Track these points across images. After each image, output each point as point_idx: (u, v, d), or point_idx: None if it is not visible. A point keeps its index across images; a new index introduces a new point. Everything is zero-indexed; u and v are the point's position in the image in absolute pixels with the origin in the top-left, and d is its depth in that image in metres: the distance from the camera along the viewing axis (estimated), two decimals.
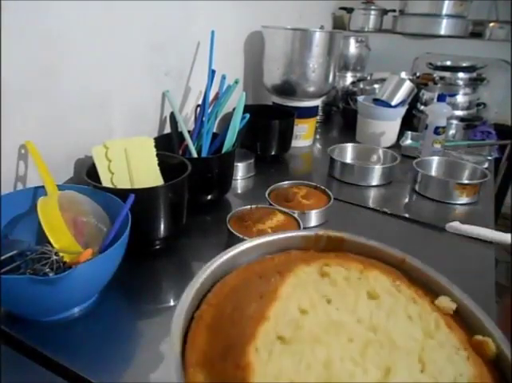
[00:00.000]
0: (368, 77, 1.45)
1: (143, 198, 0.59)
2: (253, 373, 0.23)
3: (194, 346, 0.26)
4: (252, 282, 0.31)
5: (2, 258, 0.49)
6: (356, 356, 0.24)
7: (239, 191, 0.90)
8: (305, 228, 0.67)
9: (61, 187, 0.59)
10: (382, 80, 1.27)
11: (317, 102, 1.17)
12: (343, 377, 0.23)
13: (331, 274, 0.32)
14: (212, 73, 0.87)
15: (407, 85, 1.14)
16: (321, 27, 1.31)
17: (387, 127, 1.15)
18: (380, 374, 0.23)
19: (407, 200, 0.90)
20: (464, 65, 1.32)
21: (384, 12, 1.87)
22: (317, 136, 1.29)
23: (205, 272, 0.31)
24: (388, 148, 1.09)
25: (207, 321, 0.28)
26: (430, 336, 0.27)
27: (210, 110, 0.86)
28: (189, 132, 0.84)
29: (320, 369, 0.23)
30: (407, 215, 0.79)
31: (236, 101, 0.83)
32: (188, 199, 0.68)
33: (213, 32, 0.87)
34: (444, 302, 0.31)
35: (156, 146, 0.72)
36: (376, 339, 0.26)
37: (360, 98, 1.20)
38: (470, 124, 1.25)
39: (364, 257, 0.35)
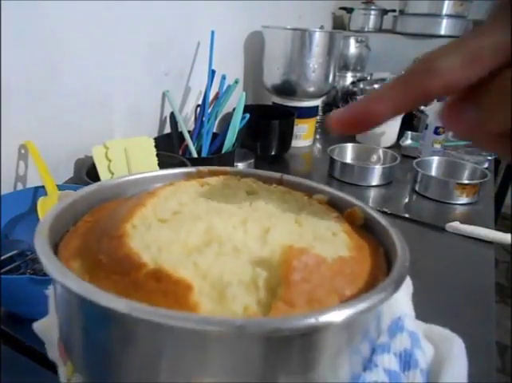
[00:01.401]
0: (368, 77, 1.45)
1: None
2: (129, 239, 0.22)
3: (68, 246, 0.25)
4: (132, 199, 0.30)
5: (2, 258, 0.49)
6: (237, 224, 0.25)
7: None
8: None
9: (60, 187, 0.58)
10: (382, 80, 1.27)
11: (317, 102, 1.17)
12: (223, 237, 0.23)
13: (210, 182, 0.33)
14: (212, 73, 0.87)
15: None
16: (321, 27, 1.31)
17: (387, 127, 1.15)
18: (260, 233, 0.25)
19: (407, 200, 0.90)
20: None
21: (384, 12, 1.87)
22: (317, 136, 1.29)
23: (81, 192, 0.30)
24: (388, 148, 1.09)
25: (82, 231, 0.27)
26: (304, 209, 0.30)
27: (210, 110, 0.86)
28: (189, 132, 0.84)
29: (200, 233, 0.24)
30: (407, 215, 0.79)
31: (236, 101, 0.83)
32: None
33: (213, 32, 0.87)
34: (318, 195, 0.33)
35: (156, 146, 0.73)
36: (256, 214, 0.27)
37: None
38: None
39: None
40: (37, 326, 0.33)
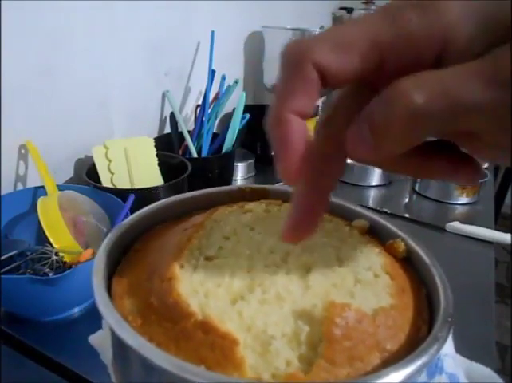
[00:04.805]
0: None
1: (143, 198, 0.59)
2: (178, 283, 0.24)
3: (120, 282, 0.26)
4: (178, 229, 0.31)
5: (2, 258, 0.49)
6: (278, 262, 0.26)
7: None
8: None
9: (61, 187, 0.59)
10: None
11: (317, 102, 1.17)
12: (266, 279, 0.25)
13: (252, 209, 0.33)
14: (212, 73, 0.87)
15: None
16: (321, 27, 1.31)
17: None
18: (301, 273, 0.26)
19: (407, 200, 0.90)
20: None
21: None
22: None
23: (127, 222, 0.31)
24: None
25: (133, 262, 0.28)
26: (345, 242, 0.30)
27: (210, 110, 0.86)
28: (189, 132, 0.84)
29: (243, 274, 0.25)
30: (407, 215, 0.79)
31: (236, 101, 0.83)
32: None
33: (213, 32, 0.87)
34: (358, 222, 0.32)
35: (156, 146, 0.73)
36: (296, 248, 0.28)
37: None
38: None
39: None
40: (93, 339, 0.34)
